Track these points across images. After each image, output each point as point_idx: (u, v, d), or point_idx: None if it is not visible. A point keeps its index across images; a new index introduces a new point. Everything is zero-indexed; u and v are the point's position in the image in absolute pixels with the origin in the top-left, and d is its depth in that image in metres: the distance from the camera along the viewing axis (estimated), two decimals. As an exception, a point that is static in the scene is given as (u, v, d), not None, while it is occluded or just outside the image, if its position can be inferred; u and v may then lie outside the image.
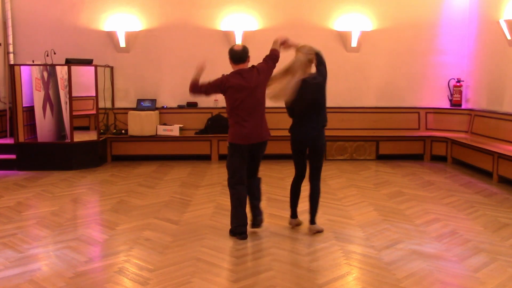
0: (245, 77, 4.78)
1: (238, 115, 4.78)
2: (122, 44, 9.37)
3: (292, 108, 4.94)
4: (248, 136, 4.79)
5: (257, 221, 5.01)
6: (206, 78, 10.17)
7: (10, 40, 9.22)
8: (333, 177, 7.76)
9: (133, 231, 5.17)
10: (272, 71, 4.95)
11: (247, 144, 4.81)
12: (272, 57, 5.01)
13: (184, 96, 9.58)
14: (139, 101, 9.26)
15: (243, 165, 4.86)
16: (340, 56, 9.50)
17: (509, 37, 7.95)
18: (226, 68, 9.53)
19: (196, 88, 4.86)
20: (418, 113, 9.54)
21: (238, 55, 4.86)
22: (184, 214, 5.76)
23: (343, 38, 9.47)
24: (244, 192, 4.88)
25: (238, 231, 4.86)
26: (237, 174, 4.83)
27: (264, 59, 4.99)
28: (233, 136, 4.83)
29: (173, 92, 9.58)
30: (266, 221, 5.40)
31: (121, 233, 5.13)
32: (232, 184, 4.87)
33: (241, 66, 4.85)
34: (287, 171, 7.55)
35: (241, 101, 4.74)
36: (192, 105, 9.48)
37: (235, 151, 4.84)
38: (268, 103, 4.98)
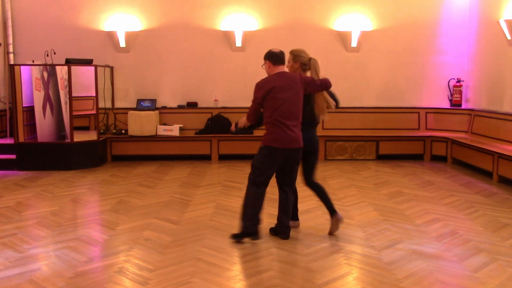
0: (289, 78, 4.73)
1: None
2: (122, 44, 9.37)
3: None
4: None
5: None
6: (207, 77, 10.21)
7: (10, 40, 9.22)
8: (333, 177, 7.76)
9: (133, 231, 5.17)
10: (312, 88, 4.76)
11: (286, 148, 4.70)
12: (324, 83, 4.77)
13: (184, 96, 9.60)
14: (139, 101, 9.26)
15: (276, 168, 4.80)
16: (340, 56, 9.50)
17: (509, 37, 7.94)
18: (226, 67, 9.59)
19: (248, 113, 4.83)
20: (418, 113, 9.54)
21: (279, 56, 4.79)
22: (184, 214, 5.76)
23: (343, 38, 9.47)
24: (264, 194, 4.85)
25: (253, 231, 4.76)
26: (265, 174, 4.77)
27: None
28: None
29: (173, 92, 9.58)
30: (266, 221, 5.40)
31: (121, 233, 5.13)
32: (257, 182, 4.77)
33: (281, 68, 4.81)
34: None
35: (282, 102, 4.64)
36: (192, 105, 9.48)
37: (272, 154, 4.70)
38: None
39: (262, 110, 4.81)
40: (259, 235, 4.78)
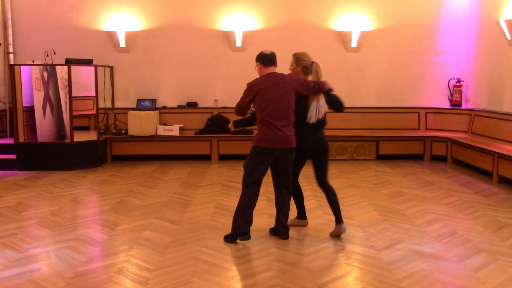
0: (279, 79, 4.74)
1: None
2: (122, 44, 9.37)
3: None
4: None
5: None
6: (207, 77, 10.19)
7: (10, 40, 9.22)
8: (333, 177, 7.75)
9: (133, 231, 5.17)
10: (304, 89, 4.77)
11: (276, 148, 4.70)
12: (317, 85, 4.79)
13: (184, 96, 9.60)
14: (139, 101, 9.26)
15: (266, 168, 4.80)
16: (340, 56, 9.50)
17: (509, 37, 7.95)
18: (226, 67, 9.59)
19: (236, 108, 4.93)
20: (418, 113, 9.54)
21: (270, 58, 4.81)
22: (184, 214, 5.76)
23: (343, 38, 9.47)
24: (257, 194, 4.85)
25: (243, 231, 4.74)
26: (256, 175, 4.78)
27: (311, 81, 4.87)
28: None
29: (173, 92, 9.58)
30: (266, 221, 5.41)
31: (121, 233, 5.13)
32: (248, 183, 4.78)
33: (272, 69, 4.82)
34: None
35: (269, 103, 4.66)
36: (192, 105, 9.48)
37: (261, 154, 4.72)
38: None
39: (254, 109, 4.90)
40: (249, 235, 4.76)
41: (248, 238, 4.77)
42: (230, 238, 4.81)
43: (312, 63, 4.91)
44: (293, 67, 4.98)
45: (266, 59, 4.80)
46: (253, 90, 4.75)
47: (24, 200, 6.45)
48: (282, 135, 4.68)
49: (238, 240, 4.80)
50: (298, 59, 4.93)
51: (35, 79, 8.38)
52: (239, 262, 4.39)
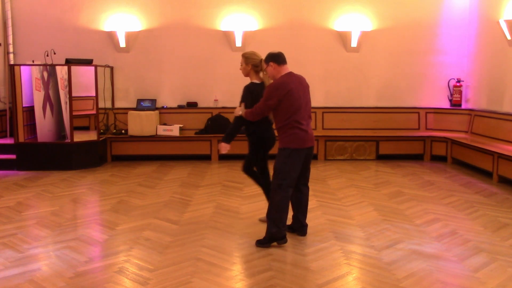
0: (299, 78, 4.75)
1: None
2: (122, 44, 9.37)
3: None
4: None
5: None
6: (207, 77, 10.17)
7: (10, 40, 9.22)
8: (333, 177, 7.76)
9: (133, 231, 5.17)
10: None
11: (305, 148, 4.70)
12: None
13: (184, 96, 9.60)
14: (139, 101, 9.26)
15: (300, 169, 4.74)
16: (340, 56, 9.49)
17: (509, 37, 7.95)
18: (225, 67, 9.58)
19: (254, 113, 4.75)
20: (418, 113, 9.54)
21: (282, 56, 4.73)
22: (184, 214, 5.76)
23: (343, 38, 9.47)
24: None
25: (282, 235, 4.71)
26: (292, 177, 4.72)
27: None
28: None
29: (173, 92, 9.58)
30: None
31: (121, 233, 5.13)
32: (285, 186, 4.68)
33: (287, 68, 4.75)
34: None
35: (300, 104, 4.63)
36: (192, 105, 9.48)
37: (294, 155, 4.64)
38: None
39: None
40: (286, 238, 4.73)
41: (286, 241, 4.73)
42: (265, 243, 4.69)
43: (261, 60, 4.97)
44: (243, 67, 5.05)
45: (279, 58, 4.70)
46: (281, 91, 4.54)
47: (24, 200, 6.45)
48: (310, 132, 4.73)
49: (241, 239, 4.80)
50: (248, 58, 5.02)
51: (35, 79, 8.38)
52: (239, 262, 4.39)
